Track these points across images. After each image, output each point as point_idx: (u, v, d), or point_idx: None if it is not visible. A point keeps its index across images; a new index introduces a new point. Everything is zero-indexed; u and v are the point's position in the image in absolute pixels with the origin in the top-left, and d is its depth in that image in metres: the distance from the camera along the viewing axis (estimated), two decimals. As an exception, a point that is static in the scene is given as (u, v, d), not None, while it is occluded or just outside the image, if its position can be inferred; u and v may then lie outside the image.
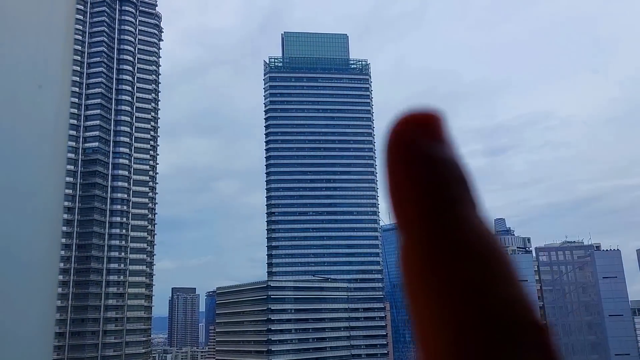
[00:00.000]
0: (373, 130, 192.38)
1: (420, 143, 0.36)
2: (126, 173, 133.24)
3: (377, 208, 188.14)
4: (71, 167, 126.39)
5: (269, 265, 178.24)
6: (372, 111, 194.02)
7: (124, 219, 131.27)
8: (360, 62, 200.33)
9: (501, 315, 0.33)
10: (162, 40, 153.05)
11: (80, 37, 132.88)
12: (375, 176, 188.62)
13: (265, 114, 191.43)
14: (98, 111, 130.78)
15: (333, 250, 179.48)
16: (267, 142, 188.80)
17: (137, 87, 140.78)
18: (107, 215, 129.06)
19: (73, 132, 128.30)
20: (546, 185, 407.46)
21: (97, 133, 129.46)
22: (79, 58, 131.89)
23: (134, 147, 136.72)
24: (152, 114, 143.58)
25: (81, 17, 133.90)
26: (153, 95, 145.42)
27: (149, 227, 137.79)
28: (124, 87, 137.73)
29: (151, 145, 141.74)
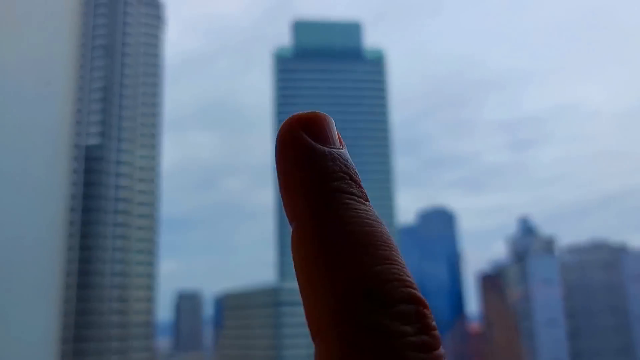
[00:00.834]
0: (389, 122, 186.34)
1: (305, 140, 0.39)
2: (128, 170, 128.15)
3: (394, 204, 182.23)
4: (73, 164, 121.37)
5: (279, 266, 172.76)
6: (388, 102, 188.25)
7: (127, 219, 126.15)
8: (375, 51, 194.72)
9: (375, 287, 0.35)
10: (167, 31, 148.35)
11: (82, 29, 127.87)
12: (392, 170, 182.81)
13: (274, 106, 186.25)
14: (99, 105, 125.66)
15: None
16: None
17: (140, 81, 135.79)
18: (109, 215, 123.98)
19: (74, 129, 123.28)
20: (573, 181, 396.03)
21: (98, 128, 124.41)
22: (81, 51, 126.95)
23: (137, 144, 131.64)
24: (156, 107, 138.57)
25: (82, 9, 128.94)
26: (156, 89, 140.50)
27: (153, 226, 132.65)
28: (126, 80, 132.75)
29: (155, 142, 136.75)
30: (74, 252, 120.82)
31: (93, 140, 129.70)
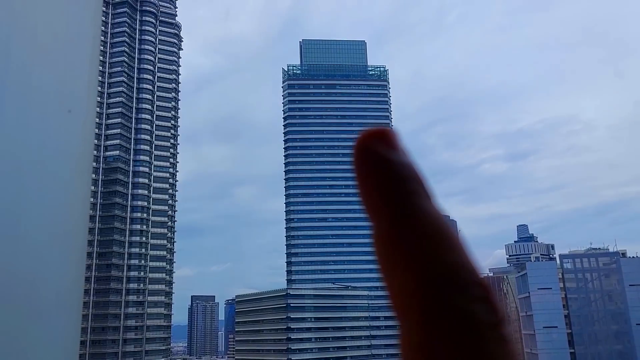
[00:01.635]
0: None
1: (380, 150, 0.47)
2: (146, 181, 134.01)
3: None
4: (93, 176, 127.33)
5: (289, 272, 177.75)
6: (391, 117, 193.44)
7: (144, 227, 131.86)
8: (379, 69, 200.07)
9: (450, 274, 0.43)
10: (182, 50, 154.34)
11: (101, 48, 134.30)
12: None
13: (284, 121, 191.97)
14: (119, 120, 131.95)
15: (353, 257, 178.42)
16: (285, 149, 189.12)
17: (157, 96, 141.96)
18: (128, 223, 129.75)
19: (95, 141, 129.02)
20: (570, 190, 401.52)
21: (117, 141, 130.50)
22: (100, 67, 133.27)
23: (154, 155, 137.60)
24: (172, 122, 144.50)
25: (102, 28, 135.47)
26: (173, 103, 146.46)
27: (169, 234, 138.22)
28: (145, 96, 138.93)
29: (171, 153, 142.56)
30: (93, 259, 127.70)
31: (113, 153, 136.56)
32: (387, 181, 0.46)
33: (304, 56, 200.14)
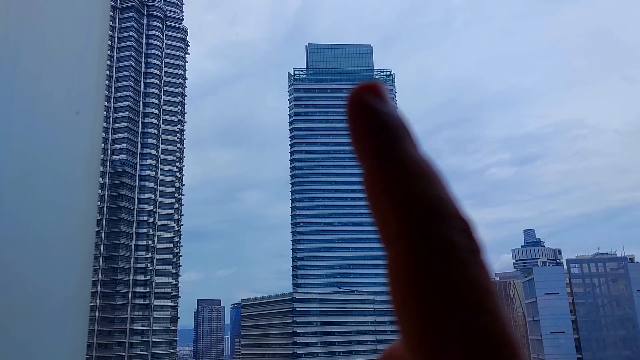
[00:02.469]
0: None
1: (370, 101, 0.52)
2: (153, 185, 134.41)
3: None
4: (100, 180, 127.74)
5: (294, 277, 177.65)
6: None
7: (151, 231, 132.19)
8: (385, 73, 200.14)
9: (434, 207, 0.47)
10: (189, 54, 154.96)
11: (108, 52, 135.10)
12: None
13: (290, 125, 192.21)
14: (125, 124, 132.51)
15: (359, 261, 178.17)
16: (291, 153, 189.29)
17: (163, 100, 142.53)
18: (134, 227, 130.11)
19: (102, 145, 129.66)
20: (577, 195, 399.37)
21: (124, 145, 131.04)
22: (107, 72, 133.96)
23: (161, 159, 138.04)
24: (179, 126, 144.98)
25: (110, 33, 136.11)
26: (179, 108, 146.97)
27: (175, 238, 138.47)
28: (151, 100, 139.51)
29: (177, 157, 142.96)
30: (100, 262, 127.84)
31: (120, 157, 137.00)
32: (375, 128, 0.50)
33: (310, 60, 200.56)
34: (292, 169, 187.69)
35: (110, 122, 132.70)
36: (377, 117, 0.51)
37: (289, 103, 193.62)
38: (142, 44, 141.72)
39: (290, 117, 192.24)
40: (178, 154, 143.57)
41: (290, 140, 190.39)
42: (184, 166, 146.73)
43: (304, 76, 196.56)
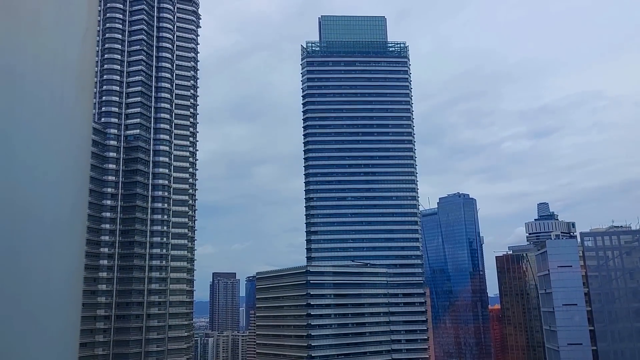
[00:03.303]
0: (412, 114, 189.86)
1: None
2: (167, 159, 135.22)
3: (417, 193, 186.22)
4: (114, 155, 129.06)
5: (308, 250, 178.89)
6: (411, 94, 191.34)
7: (165, 205, 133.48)
8: (399, 45, 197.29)
9: None
10: (200, 27, 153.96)
11: (120, 26, 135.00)
12: (415, 160, 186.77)
13: (303, 99, 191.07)
14: (139, 99, 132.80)
15: (372, 235, 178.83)
16: (305, 127, 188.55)
17: (176, 75, 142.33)
18: (149, 201, 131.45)
19: (115, 120, 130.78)
20: (593, 168, 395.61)
21: (138, 120, 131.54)
22: (119, 47, 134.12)
23: (174, 134, 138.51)
24: (192, 101, 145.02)
25: (121, 6, 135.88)
26: (192, 82, 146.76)
27: (190, 212, 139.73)
28: (164, 74, 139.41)
29: (191, 132, 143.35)
30: (116, 237, 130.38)
31: (134, 132, 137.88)
32: None
33: (323, 33, 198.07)
34: (305, 143, 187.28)
35: (124, 97, 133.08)
36: None
37: (302, 77, 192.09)
38: (154, 18, 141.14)
39: (303, 91, 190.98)
40: (192, 129, 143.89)
41: (304, 115, 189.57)
42: (198, 141, 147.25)
43: (317, 49, 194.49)
